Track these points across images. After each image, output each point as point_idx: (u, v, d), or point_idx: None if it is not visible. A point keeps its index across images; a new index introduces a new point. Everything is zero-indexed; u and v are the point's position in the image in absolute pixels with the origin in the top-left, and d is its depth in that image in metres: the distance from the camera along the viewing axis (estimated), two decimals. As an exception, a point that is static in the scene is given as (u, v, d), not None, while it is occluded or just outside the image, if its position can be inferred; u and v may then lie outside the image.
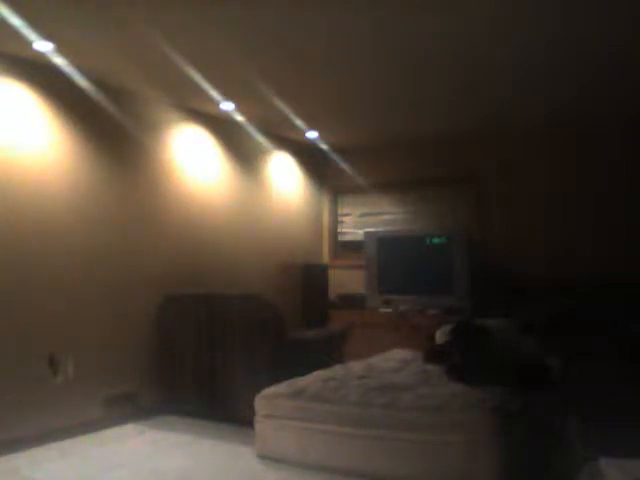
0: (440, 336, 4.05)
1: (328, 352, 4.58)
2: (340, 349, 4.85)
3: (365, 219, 6.26)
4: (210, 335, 4.10)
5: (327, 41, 3.43)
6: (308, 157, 6.17)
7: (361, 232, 6.04)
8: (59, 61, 3.64)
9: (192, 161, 4.80)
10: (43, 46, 3.41)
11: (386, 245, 5.66)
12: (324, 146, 6.08)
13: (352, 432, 3.00)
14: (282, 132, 5.58)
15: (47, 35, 3.29)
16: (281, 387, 3.37)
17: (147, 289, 4.30)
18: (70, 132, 3.88)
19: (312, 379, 3.46)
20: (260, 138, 5.46)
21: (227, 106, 4.67)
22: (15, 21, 3.05)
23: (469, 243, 5.33)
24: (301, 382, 3.40)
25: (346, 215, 6.41)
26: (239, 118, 5.02)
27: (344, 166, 6.21)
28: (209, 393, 4.06)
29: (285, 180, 5.90)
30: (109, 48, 3.51)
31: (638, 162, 4.95)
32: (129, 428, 3.92)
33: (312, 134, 5.60)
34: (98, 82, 3.97)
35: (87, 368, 3.86)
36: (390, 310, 5.52)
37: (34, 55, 3.53)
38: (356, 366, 3.86)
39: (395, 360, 4.04)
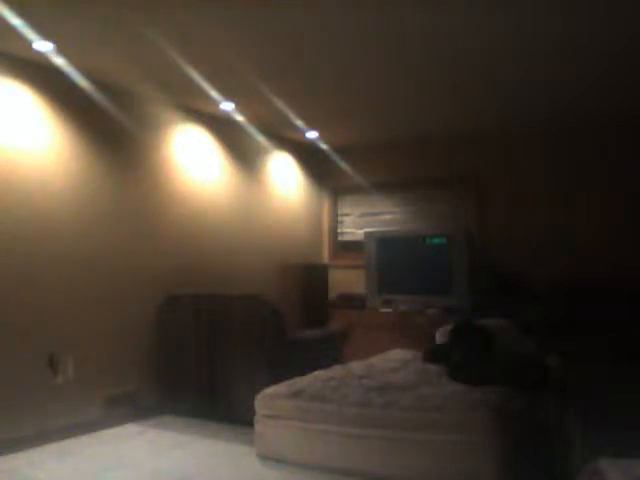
0: (440, 336, 4.05)
1: (328, 352, 4.58)
2: (340, 349, 4.85)
3: (365, 219, 6.26)
4: (210, 335, 4.10)
5: (327, 41, 3.43)
6: (308, 157, 6.17)
7: (361, 232, 6.05)
8: (59, 61, 3.64)
9: (192, 161, 4.80)
10: (43, 46, 3.41)
11: (386, 245, 5.66)
12: (324, 146, 6.08)
13: (352, 432, 3.00)
14: (282, 132, 5.58)
15: (47, 35, 3.29)
16: (281, 387, 3.37)
17: (147, 289, 4.30)
18: (70, 132, 3.88)
19: (312, 379, 3.47)
20: (260, 138, 5.46)
21: (227, 106, 4.67)
22: (15, 21, 3.05)
23: (469, 243, 5.32)
24: (301, 382, 3.41)
25: (346, 215, 6.40)
26: (239, 118, 5.03)
27: (344, 166, 6.21)
28: (209, 393, 4.06)
29: (285, 180, 5.90)
30: (109, 48, 3.51)
31: (638, 162, 4.95)
32: (129, 428, 3.92)
33: (312, 134, 5.60)
34: (98, 82, 3.97)
35: (87, 368, 3.87)
36: (390, 310, 5.52)
37: (34, 55, 3.53)
38: (356, 366, 3.86)
39: (395, 360, 4.04)
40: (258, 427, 3.31)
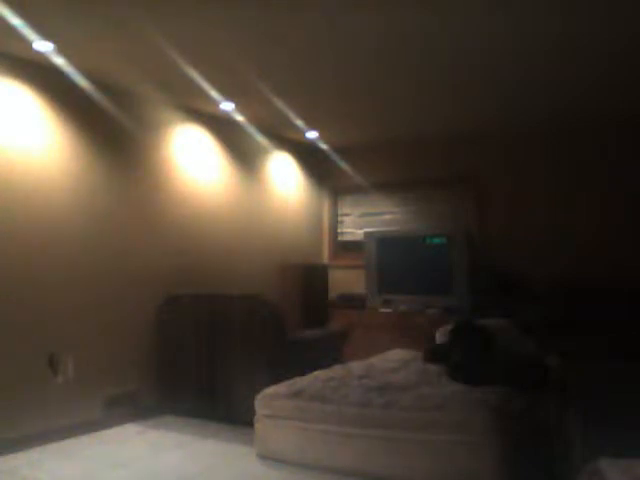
0: (440, 336, 4.05)
1: (328, 352, 4.58)
2: (340, 349, 4.85)
3: (365, 219, 6.26)
4: (210, 335, 4.10)
5: (327, 41, 3.43)
6: (308, 157, 6.17)
7: (361, 232, 6.05)
8: (59, 61, 3.64)
9: (192, 161, 4.80)
10: (43, 46, 3.41)
11: (386, 245, 5.66)
12: (324, 146, 6.08)
13: (352, 432, 3.00)
14: (282, 132, 5.58)
15: (47, 35, 3.29)
16: (281, 387, 3.37)
17: (147, 289, 4.30)
18: (70, 132, 3.88)
19: (312, 379, 3.46)
20: (260, 138, 5.46)
21: (227, 106, 4.67)
22: (15, 21, 3.05)
23: (469, 243, 5.32)
24: (301, 382, 3.41)
25: (346, 215, 6.41)
26: (239, 118, 5.03)
27: (344, 166, 6.21)
28: (209, 393, 4.06)
29: (285, 180, 5.90)
30: (109, 48, 3.51)
31: (638, 162, 4.95)
32: (129, 428, 3.92)
33: (312, 134, 5.60)
34: (98, 82, 3.97)
35: (87, 368, 3.87)
36: (390, 310, 5.52)
37: (34, 55, 3.53)
38: (356, 366, 3.86)
39: (395, 360, 4.03)
40: (258, 427, 3.31)
